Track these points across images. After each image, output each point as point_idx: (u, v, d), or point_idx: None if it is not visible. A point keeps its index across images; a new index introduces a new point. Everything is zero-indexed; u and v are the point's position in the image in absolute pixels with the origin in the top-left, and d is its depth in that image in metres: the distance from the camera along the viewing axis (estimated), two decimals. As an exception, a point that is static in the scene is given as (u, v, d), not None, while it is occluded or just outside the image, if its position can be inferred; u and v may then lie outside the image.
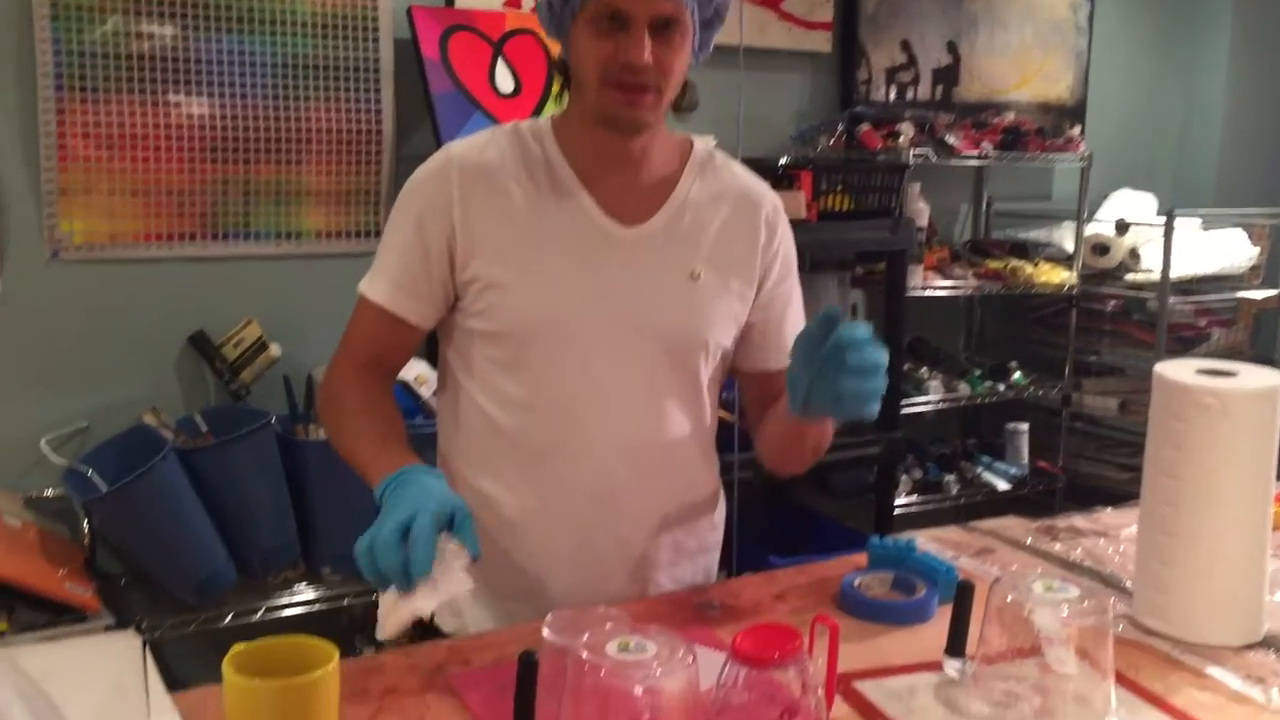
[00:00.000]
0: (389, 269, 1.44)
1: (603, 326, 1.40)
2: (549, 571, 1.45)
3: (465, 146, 1.44)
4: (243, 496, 2.48)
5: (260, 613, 2.51)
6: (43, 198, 2.51)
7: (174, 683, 1.06)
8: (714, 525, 1.59)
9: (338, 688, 1.02)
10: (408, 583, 1.14)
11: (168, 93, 2.60)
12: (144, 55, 2.56)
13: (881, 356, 1.19)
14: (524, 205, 1.41)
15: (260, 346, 2.68)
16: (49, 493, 2.53)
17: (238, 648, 1.01)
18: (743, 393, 1.60)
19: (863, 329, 1.18)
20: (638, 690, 0.94)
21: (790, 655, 1.03)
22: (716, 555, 1.60)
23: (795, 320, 1.55)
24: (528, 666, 1.01)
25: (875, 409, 1.21)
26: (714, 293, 1.46)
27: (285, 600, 2.56)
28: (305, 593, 2.58)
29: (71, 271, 2.57)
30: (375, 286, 1.44)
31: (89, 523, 2.43)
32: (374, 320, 1.45)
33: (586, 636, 0.98)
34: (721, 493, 1.61)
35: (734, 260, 1.48)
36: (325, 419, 1.48)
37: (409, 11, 2.77)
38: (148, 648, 1.10)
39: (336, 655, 1.01)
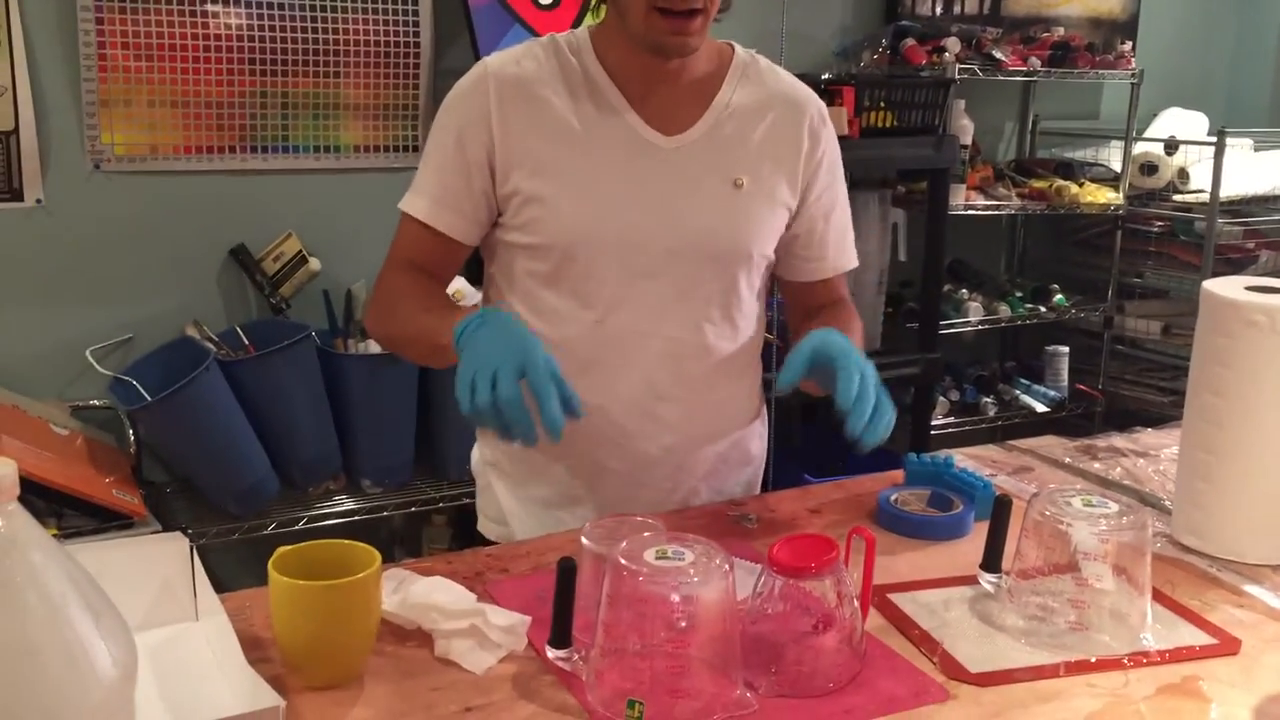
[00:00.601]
0: (429, 186, 1.43)
1: (645, 238, 1.39)
2: (593, 481, 1.46)
3: (502, 59, 1.43)
4: (284, 408, 2.51)
5: (302, 523, 2.56)
6: (83, 109, 2.51)
7: (218, 588, 1.08)
8: (758, 437, 1.59)
9: (380, 591, 1.04)
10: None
11: (205, 2, 2.58)
12: (181, -35, 2.54)
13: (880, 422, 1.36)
14: (562, 117, 1.39)
15: (300, 260, 2.69)
16: (95, 403, 2.57)
17: (282, 550, 1.02)
18: (783, 298, 1.60)
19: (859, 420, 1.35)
20: (674, 597, 0.95)
21: (826, 566, 1.04)
22: (760, 469, 1.61)
23: (839, 227, 1.54)
24: (566, 573, 1.02)
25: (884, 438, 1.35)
26: (758, 201, 1.44)
27: (326, 510, 2.61)
28: (346, 504, 2.63)
29: (113, 183, 2.58)
30: (416, 204, 1.43)
31: (135, 432, 2.48)
32: (416, 237, 1.44)
33: (624, 544, 0.99)
34: (765, 406, 1.61)
35: (778, 168, 1.45)
36: (379, 316, 1.46)
37: (447, -79, 2.73)
38: (194, 550, 1.12)
39: (379, 559, 1.03)
